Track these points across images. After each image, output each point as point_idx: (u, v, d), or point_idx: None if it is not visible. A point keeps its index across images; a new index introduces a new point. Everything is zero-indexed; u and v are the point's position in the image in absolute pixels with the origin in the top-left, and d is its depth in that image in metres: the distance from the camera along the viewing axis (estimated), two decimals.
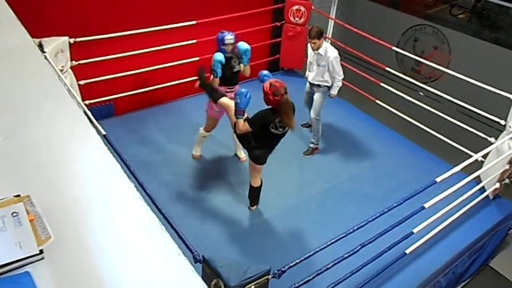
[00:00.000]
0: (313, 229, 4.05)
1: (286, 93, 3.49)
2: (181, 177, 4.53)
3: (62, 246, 1.15)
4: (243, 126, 3.57)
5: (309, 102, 5.01)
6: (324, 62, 4.62)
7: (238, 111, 3.56)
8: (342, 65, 4.77)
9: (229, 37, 4.14)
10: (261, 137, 3.68)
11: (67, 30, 4.35)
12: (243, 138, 3.77)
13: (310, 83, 4.89)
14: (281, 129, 3.62)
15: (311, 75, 4.83)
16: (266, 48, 6.54)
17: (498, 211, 4.48)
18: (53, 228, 1.16)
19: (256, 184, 4.02)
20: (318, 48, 4.60)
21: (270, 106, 3.57)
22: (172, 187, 4.38)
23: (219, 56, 4.05)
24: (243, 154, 4.77)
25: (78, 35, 4.55)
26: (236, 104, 3.57)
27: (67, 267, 1.12)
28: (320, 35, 4.55)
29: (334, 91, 4.78)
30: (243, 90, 3.57)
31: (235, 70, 4.28)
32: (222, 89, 4.22)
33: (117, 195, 1.40)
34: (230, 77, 4.26)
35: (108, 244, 1.21)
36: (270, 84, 3.48)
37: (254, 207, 4.19)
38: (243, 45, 4.21)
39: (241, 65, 4.29)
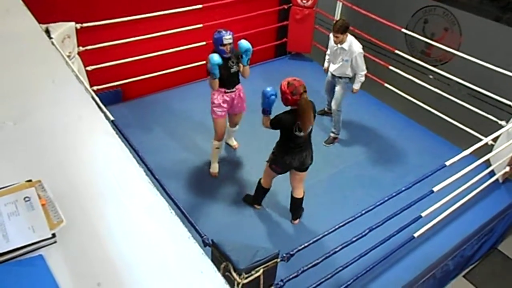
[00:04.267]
0: (322, 213, 4.06)
1: (305, 91, 3.32)
2: (189, 162, 4.55)
3: (74, 230, 1.17)
4: (265, 124, 3.54)
5: (330, 91, 4.96)
6: (348, 57, 4.50)
7: (262, 110, 3.50)
8: None
9: (227, 37, 3.80)
10: (284, 139, 3.55)
11: (73, 15, 4.34)
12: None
13: (332, 74, 4.79)
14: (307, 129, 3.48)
15: (333, 67, 4.72)
16: (273, 31, 6.47)
17: (507, 195, 4.46)
18: (65, 212, 1.18)
19: (297, 195, 3.83)
20: (341, 42, 4.46)
21: (289, 107, 3.43)
22: (180, 172, 4.40)
23: (216, 58, 3.70)
24: (234, 142, 4.79)
25: (85, 20, 4.54)
26: (261, 104, 3.50)
27: (79, 250, 1.14)
28: (345, 30, 4.39)
29: (356, 86, 4.67)
30: (268, 89, 3.43)
31: (232, 71, 3.97)
32: (222, 91, 4.02)
33: (126, 180, 1.41)
34: (228, 79, 3.98)
35: (118, 228, 1.23)
36: (288, 83, 3.30)
37: (297, 221, 3.99)
38: (244, 43, 3.84)
39: (240, 65, 3.98)
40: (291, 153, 3.54)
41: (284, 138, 3.54)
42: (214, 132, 4.26)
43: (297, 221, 4.00)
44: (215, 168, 4.44)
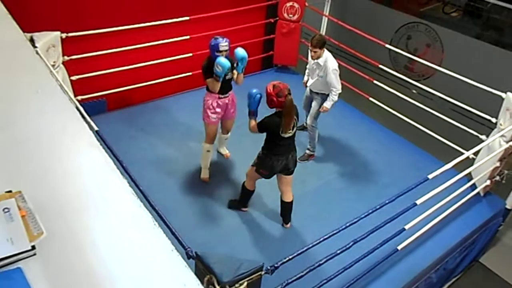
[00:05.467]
0: (306, 225, 4.06)
1: (289, 93, 3.44)
2: (174, 173, 4.51)
3: (54, 242, 1.15)
4: (252, 127, 3.63)
5: (309, 106, 4.92)
6: (323, 73, 4.50)
7: (249, 112, 3.65)
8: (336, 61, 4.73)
9: (223, 43, 3.87)
10: (270, 142, 3.62)
11: (59, 25, 4.31)
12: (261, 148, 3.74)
13: (310, 90, 4.79)
14: (290, 131, 3.56)
15: (310, 82, 4.73)
16: (260, 44, 6.53)
17: (488, 208, 4.53)
18: (45, 224, 1.16)
19: (286, 199, 3.90)
20: (318, 58, 4.47)
21: (274, 109, 3.52)
22: (165, 184, 4.36)
23: (228, 63, 3.77)
24: (226, 150, 4.79)
25: (70, 30, 4.51)
26: (248, 105, 3.63)
27: (60, 263, 1.12)
28: (322, 44, 4.41)
29: (327, 105, 4.59)
30: (253, 91, 3.60)
31: (227, 77, 4.01)
32: (216, 96, 4.08)
33: (110, 191, 1.40)
34: (223, 85, 4.01)
35: (101, 240, 1.21)
36: (274, 86, 3.42)
37: (288, 225, 4.04)
38: (240, 52, 3.93)
39: (234, 71, 4.05)
40: (278, 155, 3.63)
41: (270, 141, 3.62)
42: (206, 136, 4.30)
43: (288, 225, 4.05)
44: (205, 173, 4.45)
